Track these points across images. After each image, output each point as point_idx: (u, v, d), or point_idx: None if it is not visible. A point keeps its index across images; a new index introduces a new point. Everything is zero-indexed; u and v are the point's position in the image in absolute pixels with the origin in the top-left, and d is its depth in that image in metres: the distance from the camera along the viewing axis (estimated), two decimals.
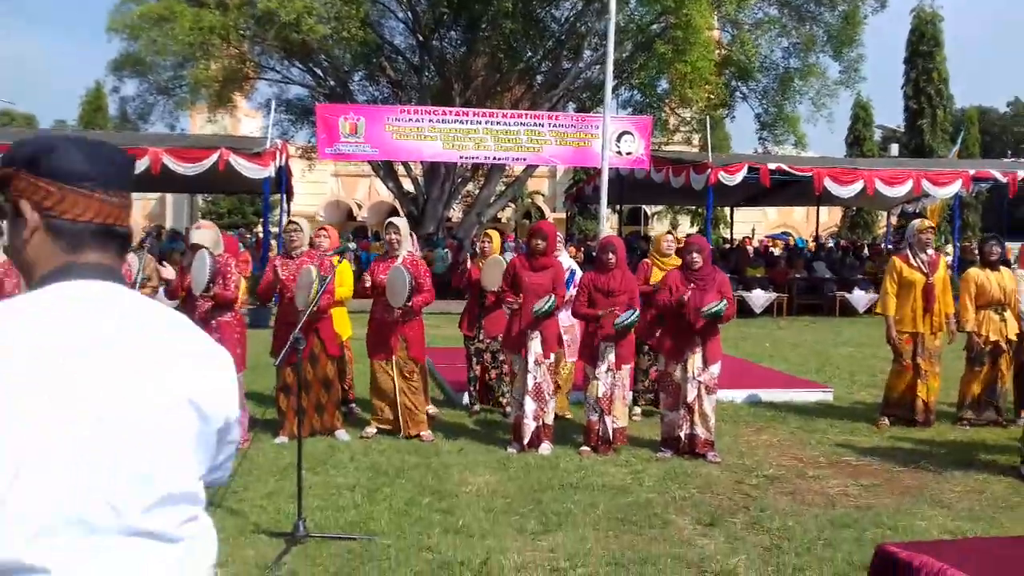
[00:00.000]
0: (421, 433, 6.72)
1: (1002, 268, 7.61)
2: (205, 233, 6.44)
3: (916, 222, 7.79)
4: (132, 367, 1.24)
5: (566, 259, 7.89)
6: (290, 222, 7.01)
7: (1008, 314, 7.43)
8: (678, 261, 7.79)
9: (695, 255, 6.44)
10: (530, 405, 6.39)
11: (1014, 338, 7.44)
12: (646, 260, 7.94)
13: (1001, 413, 7.56)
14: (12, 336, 1.19)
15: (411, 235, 7.56)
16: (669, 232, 8.34)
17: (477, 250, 8.20)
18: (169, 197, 40.24)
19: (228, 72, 21.85)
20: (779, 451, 6.59)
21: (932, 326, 7.38)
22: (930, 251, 7.51)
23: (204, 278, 6.10)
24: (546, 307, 6.29)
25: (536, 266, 6.59)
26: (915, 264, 7.42)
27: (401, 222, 6.98)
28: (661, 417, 6.59)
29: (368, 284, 6.72)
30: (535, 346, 6.43)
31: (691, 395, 6.29)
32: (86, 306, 1.26)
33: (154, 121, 22.28)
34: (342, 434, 6.73)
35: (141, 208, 42.47)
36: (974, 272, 7.59)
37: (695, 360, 6.32)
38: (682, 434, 6.34)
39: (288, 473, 5.62)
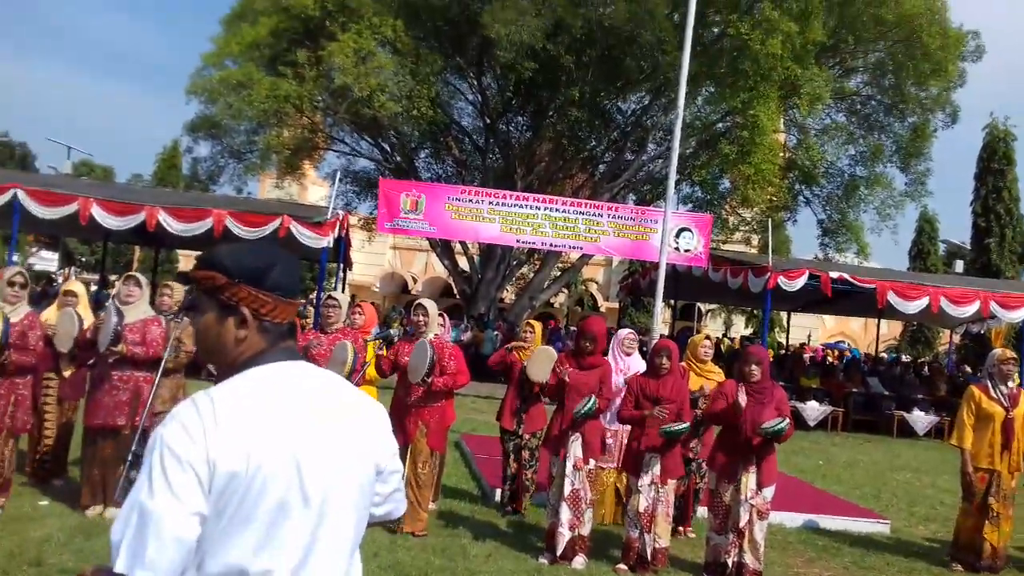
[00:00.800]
0: (416, 533, 6.33)
1: None
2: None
3: (997, 352, 7.32)
4: (340, 430, 1.68)
5: (638, 359, 7.52)
6: (329, 297, 6.88)
7: None
8: (714, 368, 7.49)
9: (754, 367, 6.11)
10: (566, 513, 6.04)
11: None
12: (682, 365, 7.58)
13: None
14: (275, 399, 1.61)
15: (442, 318, 7.35)
16: (707, 337, 7.98)
17: (517, 339, 7.97)
18: None
19: (299, 141, 22.42)
20: None
21: (1010, 465, 6.88)
22: (1011, 383, 7.05)
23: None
24: (586, 408, 5.99)
25: (584, 364, 6.33)
26: (995, 396, 6.95)
27: (430, 304, 6.72)
28: (706, 539, 6.17)
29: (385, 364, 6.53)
30: (575, 449, 6.12)
31: (743, 520, 5.88)
32: (301, 381, 1.69)
33: (223, 183, 22.86)
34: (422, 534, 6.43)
35: None
36: None
37: (748, 481, 5.93)
38: (729, 561, 5.91)
39: None
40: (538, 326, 8.14)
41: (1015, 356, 7.24)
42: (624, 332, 7.70)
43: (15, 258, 19.52)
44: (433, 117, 19.73)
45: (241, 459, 1.52)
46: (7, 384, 5.96)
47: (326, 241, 15.42)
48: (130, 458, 3.25)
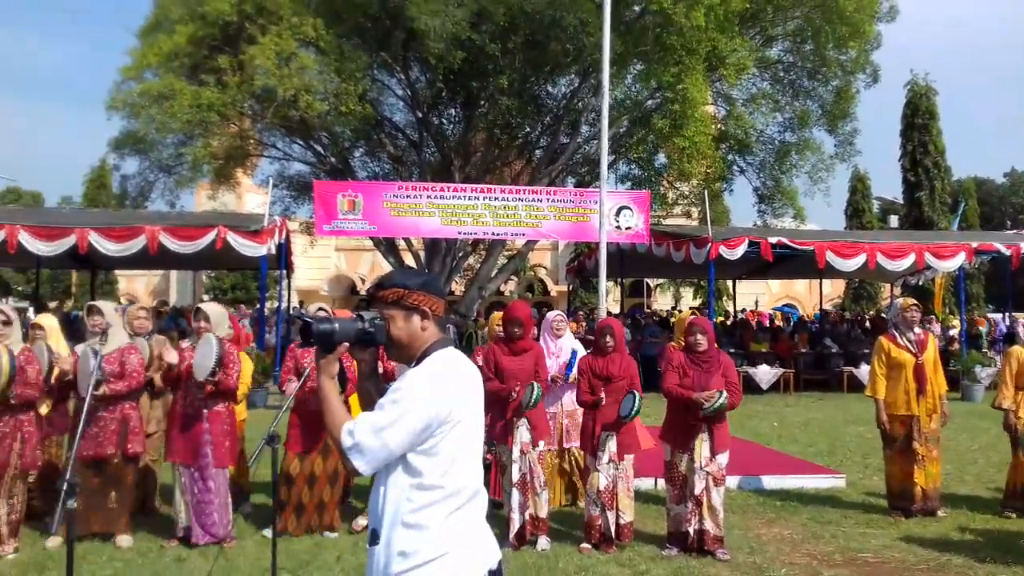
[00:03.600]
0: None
1: None
2: (214, 313, 6.19)
3: (899, 300, 7.55)
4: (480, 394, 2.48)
5: (569, 339, 7.59)
6: (319, 309, 6.74)
7: None
8: None
9: (699, 336, 6.17)
10: (516, 498, 6.05)
11: None
12: (672, 345, 7.64)
13: None
14: (460, 374, 2.40)
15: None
16: (693, 313, 8.02)
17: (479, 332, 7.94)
18: (173, 273, 40.29)
19: (229, 149, 21.95)
20: (791, 546, 6.22)
21: (928, 408, 7.06)
22: (917, 329, 7.24)
23: (209, 363, 5.83)
24: (533, 399, 6.02)
25: (516, 350, 6.34)
26: (903, 344, 7.15)
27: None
28: (667, 511, 6.23)
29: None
30: (521, 435, 6.12)
31: (699, 487, 5.95)
32: (463, 360, 2.46)
33: (155, 199, 22.28)
34: (331, 533, 6.38)
35: (145, 284, 42.55)
36: (1017, 350, 7.26)
37: (702, 449, 6.00)
38: (690, 529, 5.98)
39: None
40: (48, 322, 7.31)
41: (917, 303, 7.44)
42: (552, 315, 7.72)
43: None
44: (363, 114, 19.44)
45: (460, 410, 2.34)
46: (12, 421, 5.80)
47: (264, 249, 15.23)
48: (65, 487, 3.14)
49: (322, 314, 6.38)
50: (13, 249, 14.61)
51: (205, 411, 6.05)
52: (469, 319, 20.74)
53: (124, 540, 6.06)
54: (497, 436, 6.23)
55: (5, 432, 5.78)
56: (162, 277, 41.67)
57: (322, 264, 40.11)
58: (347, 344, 2.36)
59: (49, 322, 6.91)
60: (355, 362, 2.50)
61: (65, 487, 3.17)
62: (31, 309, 26.01)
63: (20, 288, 41.32)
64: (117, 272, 36.51)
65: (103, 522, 6.07)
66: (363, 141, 23.77)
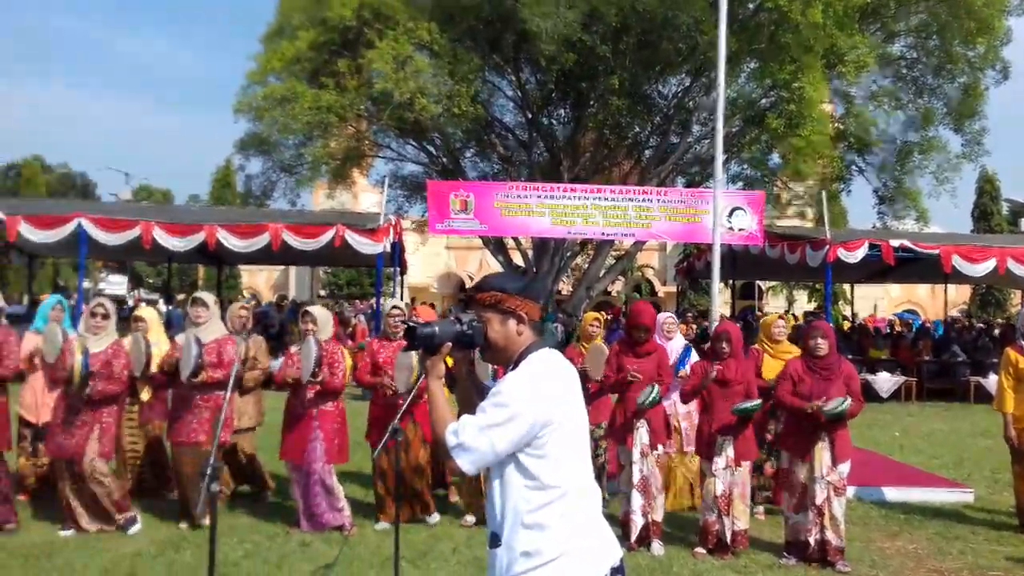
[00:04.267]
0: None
1: None
2: (320, 316, 6.46)
3: None
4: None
5: (680, 342, 7.54)
6: (393, 307, 6.95)
7: None
8: (791, 348, 7.36)
9: (819, 340, 6.01)
10: (637, 500, 6.05)
11: None
12: (755, 348, 7.49)
13: None
14: (559, 375, 2.43)
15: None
16: (780, 316, 7.83)
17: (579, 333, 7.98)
18: (292, 269, 41.81)
19: (346, 150, 22.66)
20: (916, 561, 6.01)
21: None
22: None
23: (310, 365, 6.10)
24: (650, 399, 5.98)
25: (640, 352, 6.32)
26: None
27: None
28: (785, 519, 6.11)
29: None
30: (641, 437, 6.12)
31: (819, 497, 5.81)
32: (560, 360, 2.49)
33: (277, 197, 23.20)
34: (429, 518, 6.56)
35: (266, 279, 44.33)
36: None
37: (822, 458, 5.86)
38: (811, 539, 5.84)
39: (388, 566, 5.45)
40: (602, 319, 8.09)
41: None
42: (662, 316, 7.64)
43: (85, 284, 20.12)
44: (475, 115, 19.75)
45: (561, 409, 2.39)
46: (92, 413, 6.11)
47: (380, 247, 15.62)
48: (209, 471, 3.35)
49: (396, 312, 6.63)
50: (148, 244, 15.47)
51: (315, 410, 6.29)
52: (576, 319, 20.77)
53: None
54: (616, 436, 6.25)
55: (84, 422, 6.07)
56: (282, 272, 43.32)
57: (432, 262, 40.90)
58: (449, 345, 2.43)
59: (149, 315, 7.33)
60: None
61: (209, 471, 3.36)
62: (160, 301, 27.51)
63: (151, 281, 43.73)
64: (240, 267, 38.11)
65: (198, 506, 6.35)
66: (474, 142, 24.11)
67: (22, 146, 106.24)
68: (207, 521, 6.24)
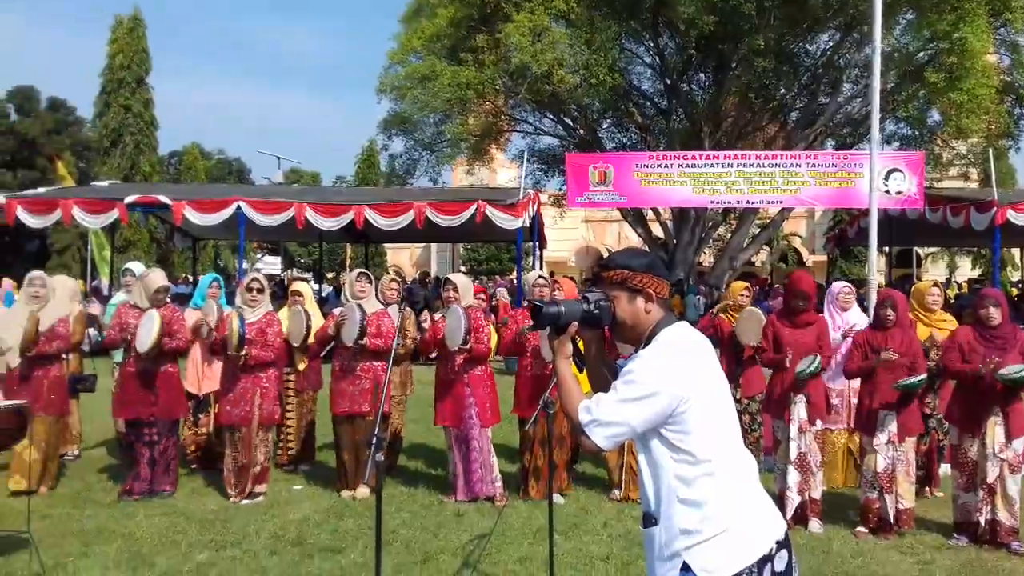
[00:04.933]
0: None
1: None
2: (461, 283, 6.59)
3: None
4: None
5: (856, 313, 7.18)
6: (539, 277, 6.95)
7: None
8: (945, 317, 6.92)
9: (992, 309, 5.62)
10: (793, 476, 5.86)
11: None
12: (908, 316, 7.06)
13: None
14: (693, 349, 2.37)
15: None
16: (934, 284, 7.34)
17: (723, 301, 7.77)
18: (433, 246, 42.81)
19: (484, 126, 22.92)
20: None
21: None
22: None
23: (460, 334, 6.23)
24: (811, 368, 5.75)
25: (798, 323, 6.07)
26: None
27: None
28: (954, 498, 5.78)
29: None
30: (799, 411, 5.91)
31: (991, 475, 5.46)
32: (693, 333, 2.42)
33: (419, 175, 23.79)
34: (559, 497, 6.55)
35: (409, 256, 45.61)
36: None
37: (995, 434, 5.49)
38: (981, 519, 5.51)
39: (541, 537, 5.53)
40: (568, 283, 7.83)
41: None
42: (839, 286, 7.30)
43: (244, 264, 21.28)
44: (612, 84, 19.53)
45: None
46: (251, 379, 6.50)
47: (520, 221, 15.72)
48: (374, 441, 3.46)
49: (542, 283, 6.61)
50: (301, 225, 16.19)
51: (466, 376, 6.43)
52: (718, 290, 20.29)
53: (362, 492, 6.59)
54: (773, 410, 6.08)
55: (246, 388, 6.46)
56: (424, 249, 44.41)
57: (569, 236, 40.84)
58: (576, 325, 2.39)
59: (305, 289, 7.75)
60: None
61: (374, 441, 3.48)
62: (311, 279, 28.75)
63: (303, 260, 45.81)
64: (385, 245, 39.30)
65: (359, 476, 6.59)
66: (611, 112, 23.86)
67: (183, 135, 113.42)
68: (360, 492, 6.54)
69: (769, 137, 24.16)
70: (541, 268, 22.86)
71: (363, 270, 7.06)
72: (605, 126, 25.24)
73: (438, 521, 5.98)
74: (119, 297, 8.38)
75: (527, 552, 5.29)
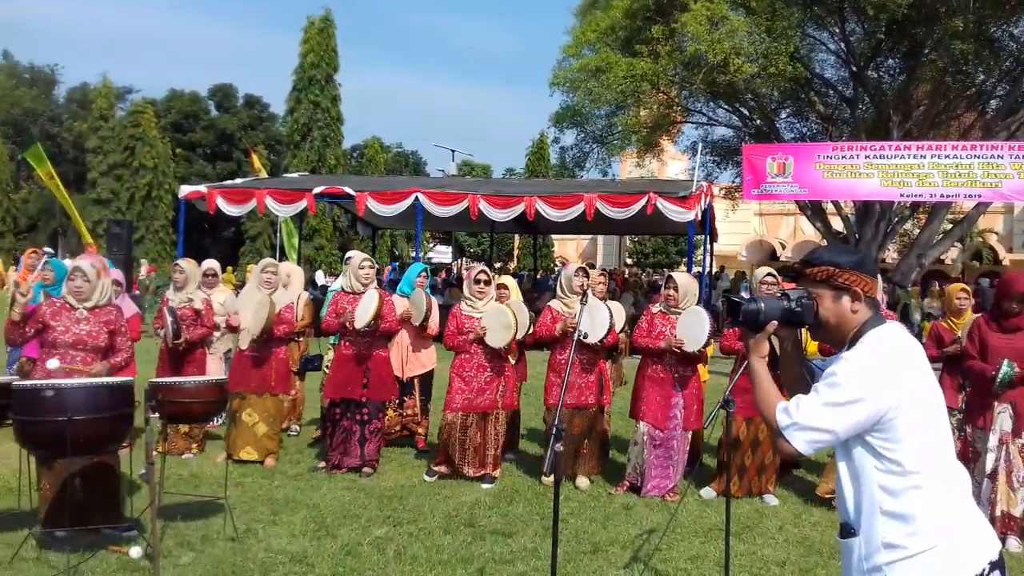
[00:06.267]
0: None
1: None
2: (682, 283, 6.55)
3: None
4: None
5: None
6: (768, 275, 6.50)
7: None
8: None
9: None
10: (987, 491, 5.44)
11: None
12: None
13: None
14: (903, 352, 2.21)
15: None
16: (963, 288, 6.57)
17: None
18: (600, 238, 42.81)
19: (656, 117, 22.60)
20: None
21: None
22: None
23: (703, 336, 6.15)
24: (1007, 376, 5.31)
25: (1008, 327, 5.60)
26: None
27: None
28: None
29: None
30: (1002, 422, 5.47)
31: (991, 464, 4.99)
32: (903, 334, 2.27)
33: (589, 168, 23.80)
34: (771, 499, 6.36)
35: (575, 248, 45.84)
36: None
37: (1001, 422, 5.06)
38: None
39: (712, 536, 5.43)
40: (511, 282, 7.67)
41: None
42: None
43: (421, 254, 22.06)
44: (793, 73, 18.75)
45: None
46: (496, 366, 6.67)
47: (692, 214, 15.44)
48: (555, 432, 3.50)
49: (770, 280, 6.32)
50: (475, 216, 16.60)
51: (677, 376, 6.36)
52: (903, 289, 19.11)
53: (583, 483, 6.64)
54: (971, 418, 5.66)
55: (492, 377, 6.64)
56: (590, 241, 44.47)
57: (741, 229, 39.63)
58: (775, 324, 2.28)
59: (512, 282, 7.80)
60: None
61: (555, 432, 3.52)
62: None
63: (472, 249, 46.98)
64: (553, 236, 39.68)
65: (572, 466, 6.68)
66: (790, 101, 22.92)
67: (364, 130, 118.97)
68: (582, 483, 6.63)
69: (965, 126, 22.45)
70: (712, 261, 22.33)
71: (582, 266, 7.12)
72: (783, 116, 24.28)
73: (606, 513, 5.98)
74: (335, 284, 8.85)
75: (698, 551, 5.19)
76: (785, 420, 2.19)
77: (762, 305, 2.30)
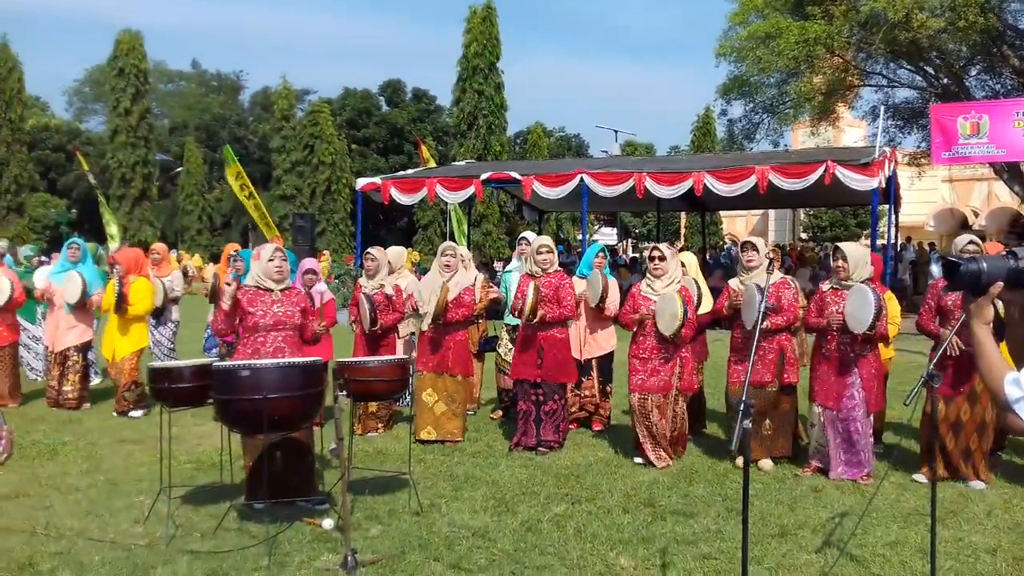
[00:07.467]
0: None
1: None
2: (852, 254, 6.14)
3: None
4: None
5: None
6: (971, 243, 5.98)
7: None
8: None
9: None
10: None
11: None
12: None
13: None
14: None
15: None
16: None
17: None
18: (772, 212, 41.23)
19: (831, 83, 21.46)
20: None
21: None
22: None
23: (869, 317, 5.76)
24: None
25: None
26: None
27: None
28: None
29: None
30: None
31: None
32: None
33: (759, 139, 22.94)
34: (977, 483, 5.88)
35: (744, 224, 44.42)
36: None
37: None
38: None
39: (912, 521, 5.09)
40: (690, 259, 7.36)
41: None
42: None
43: (587, 236, 22.02)
44: (984, 25, 17.26)
45: None
46: (672, 349, 6.49)
47: (875, 182, 14.54)
48: (742, 408, 3.37)
49: (972, 248, 5.82)
50: (640, 194, 16.38)
51: (853, 355, 6.01)
52: None
53: (766, 464, 6.41)
54: None
55: (667, 358, 6.47)
56: (761, 217, 42.91)
57: (926, 197, 36.95)
58: (1000, 286, 2.04)
59: (689, 259, 7.60)
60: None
61: (742, 408, 3.39)
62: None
63: (637, 230, 46.48)
64: (721, 213, 38.59)
65: (756, 447, 6.45)
66: (981, 56, 21.12)
67: (527, 116, 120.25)
68: (765, 464, 6.46)
69: None
70: (896, 233, 20.99)
71: (750, 239, 6.90)
72: (974, 73, 22.41)
73: (793, 495, 5.73)
74: (514, 265, 8.98)
75: (897, 536, 4.87)
76: (1016, 393, 1.98)
77: (984, 265, 2.06)
